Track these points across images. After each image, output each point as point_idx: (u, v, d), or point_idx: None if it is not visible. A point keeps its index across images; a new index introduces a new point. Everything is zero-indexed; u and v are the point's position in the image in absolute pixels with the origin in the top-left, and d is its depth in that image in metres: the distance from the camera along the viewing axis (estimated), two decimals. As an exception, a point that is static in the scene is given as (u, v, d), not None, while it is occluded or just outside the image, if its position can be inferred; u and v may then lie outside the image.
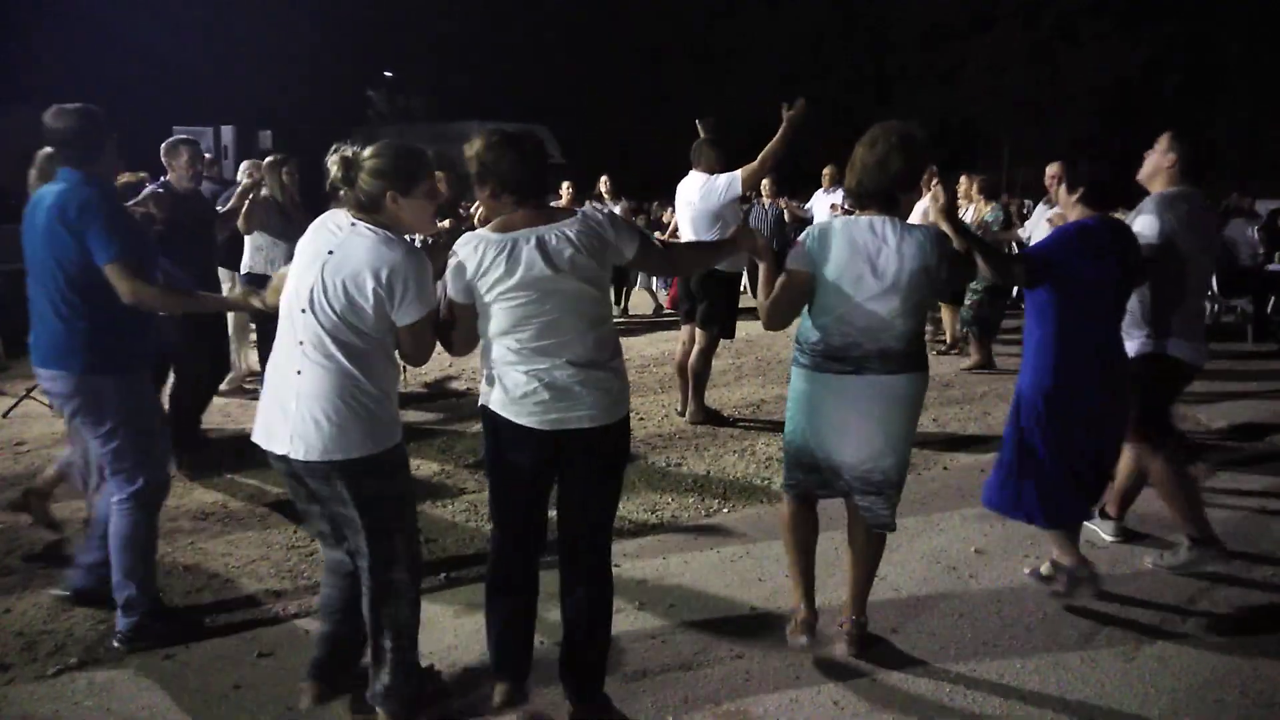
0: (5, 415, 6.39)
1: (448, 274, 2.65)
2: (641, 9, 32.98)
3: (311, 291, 2.51)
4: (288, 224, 6.07)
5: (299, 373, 2.53)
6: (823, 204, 11.11)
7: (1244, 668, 3.17)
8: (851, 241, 2.89)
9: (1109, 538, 4.21)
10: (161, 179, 5.36)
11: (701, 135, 6.27)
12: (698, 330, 6.24)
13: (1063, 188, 3.51)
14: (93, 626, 3.43)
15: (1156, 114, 27.54)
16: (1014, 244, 8.26)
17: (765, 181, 10.87)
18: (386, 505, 2.63)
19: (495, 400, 2.67)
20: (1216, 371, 7.86)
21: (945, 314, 9.06)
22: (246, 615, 3.56)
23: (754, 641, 3.33)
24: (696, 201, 5.98)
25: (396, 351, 2.65)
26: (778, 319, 3.03)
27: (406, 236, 2.63)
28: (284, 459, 2.58)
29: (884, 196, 2.94)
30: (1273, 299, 9.67)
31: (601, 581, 2.83)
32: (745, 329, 10.35)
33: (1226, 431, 6.09)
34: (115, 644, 3.26)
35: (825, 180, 11.27)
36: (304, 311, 2.52)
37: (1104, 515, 4.25)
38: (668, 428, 6.20)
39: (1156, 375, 3.75)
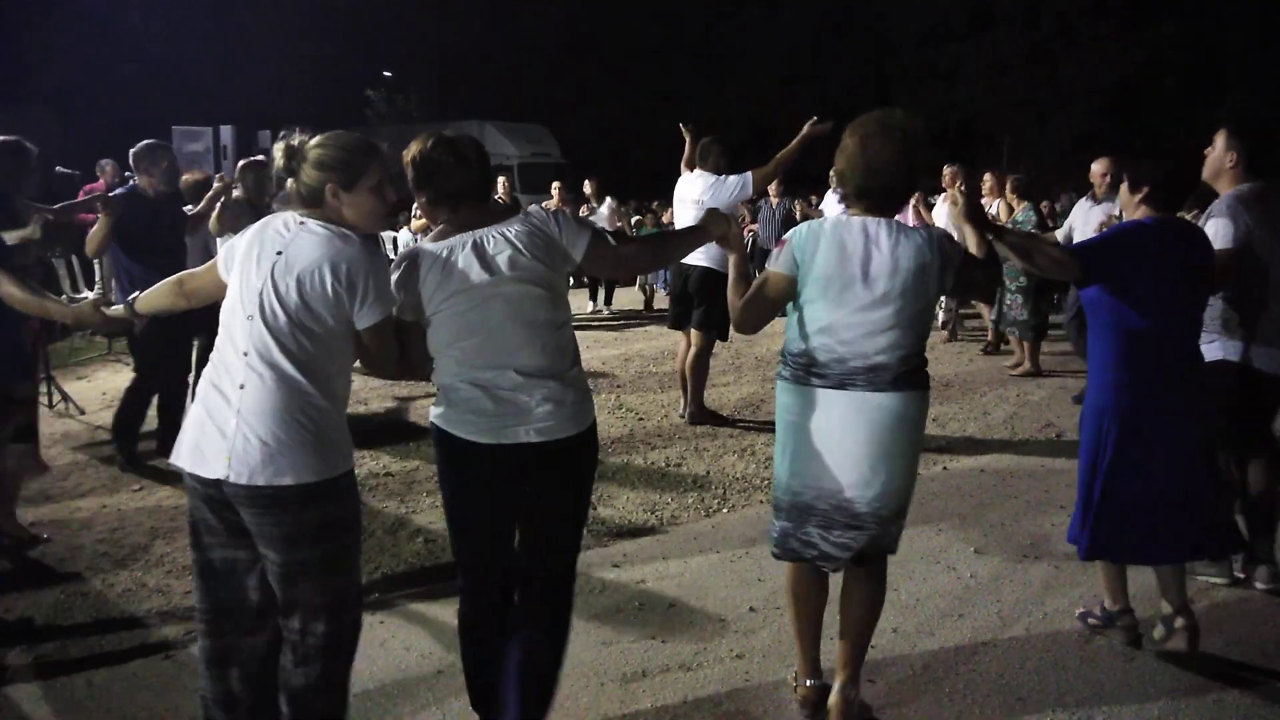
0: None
1: (390, 292, 2.39)
2: (641, 9, 32.98)
3: (260, 296, 2.26)
4: None
5: (241, 387, 2.24)
6: (834, 206, 11.11)
7: (1243, 667, 3.17)
8: (841, 244, 2.56)
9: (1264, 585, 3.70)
10: (130, 183, 5.34)
11: (687, 138, 6.27)
12: (694, 331, 6.26)
13: (1124, 187, 3.23)
14: (92, 627, 3.43)
15: (1156, 114, 27.64)
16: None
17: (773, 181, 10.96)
18: (340, 536, 2.33)
19: (442, 416, 2.47)
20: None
21: (984, 312, 9.10)
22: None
23: (754, 641, 3.33)
24: (707, 200, 6.00)
25: (357, 361, 2.41)
26: (749, 323, 2.76)
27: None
28: (215, 484, 2.24)
29: (878, 194, 2.60)
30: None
31: (552, 617, 2.57)
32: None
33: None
34: None
35: (834, 181, 11.35)
36: (250, 318, 2.26)
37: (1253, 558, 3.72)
38: (668, 428, 6.20)
39: (1239, 387, 3.49)
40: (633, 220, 12.90)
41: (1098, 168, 6.85)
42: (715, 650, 3.27)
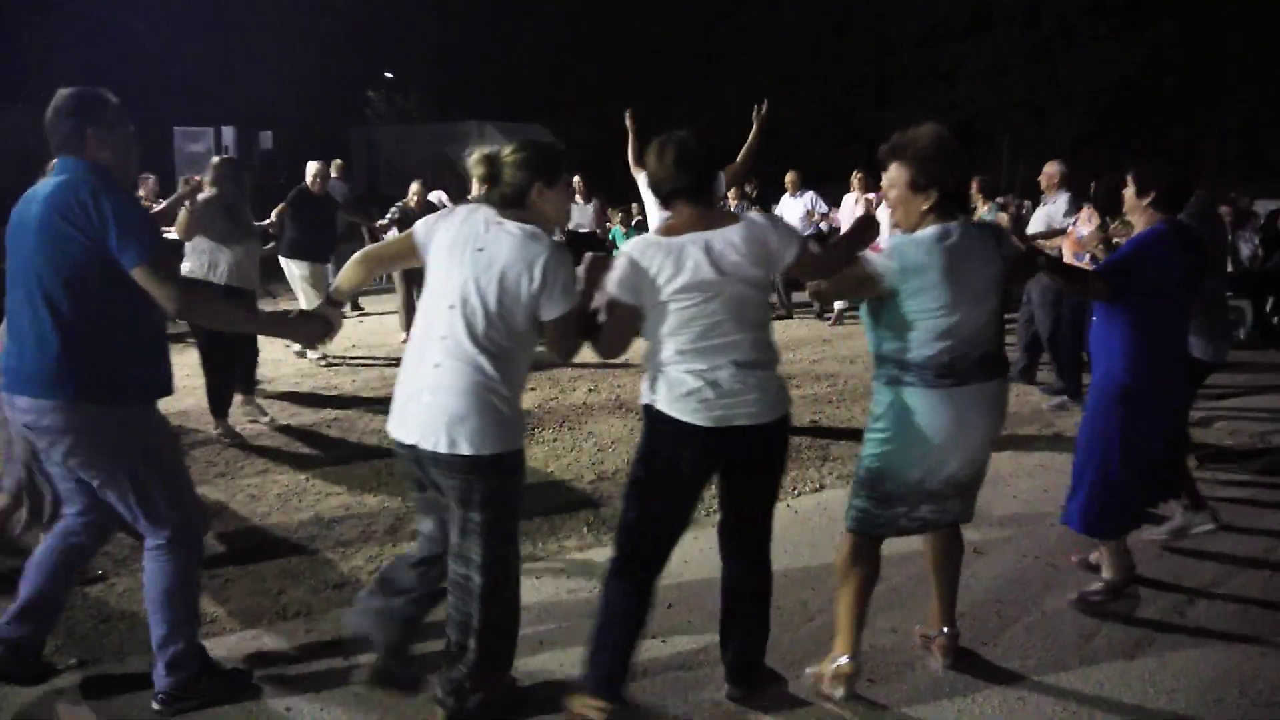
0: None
1: (613, 274, 2.67)
2: (641, 9, 32.96)
3: (462, 288, 2.57)
4: (235, 228, 5.68)
5: (437, 366, 2.58)
6: (792, 207, 10.98)
7: (1243, 667, 3.17)
8: (948, 253, 2.75)
9: (1210, 525, 4.20)
10: None
11: (631, 131, 6.03)
12: None
13: (1130, 191, 3.53)
14: (93, 627, 3.44)
15: (1156, 114, 27.64)
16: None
17: (792, 175, 10.94)
18: (504, 506, 2.67)
19: (660, 399, 2.71)
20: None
21: None
22: (245, 614, 3.55)
23: (754, 641, 3.32)
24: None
25: (541, 347, 2.72)
26: (839, 298, 3.08)
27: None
28: (410, 447, 2.63)
29: (957, 198, 2.90)
30: (1271, 300, 9.67)
31: (761, 564, 2.93)
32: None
33: (1225, 432, 6.08)
34: (156, 706, 2.87)
35: (790, 186, 11.09)
36: (451, 308, 2.58)
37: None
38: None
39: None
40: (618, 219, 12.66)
41: (1049, 168, 7.21)
42: (715, 650, 3.26)
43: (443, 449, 2.56)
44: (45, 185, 2.73)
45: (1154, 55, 29.16)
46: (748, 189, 11.21)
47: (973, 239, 2.81)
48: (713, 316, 2.64)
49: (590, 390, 7.12)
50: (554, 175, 2.67)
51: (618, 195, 13.57)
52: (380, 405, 6.86)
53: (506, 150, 2.66)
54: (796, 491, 4.95)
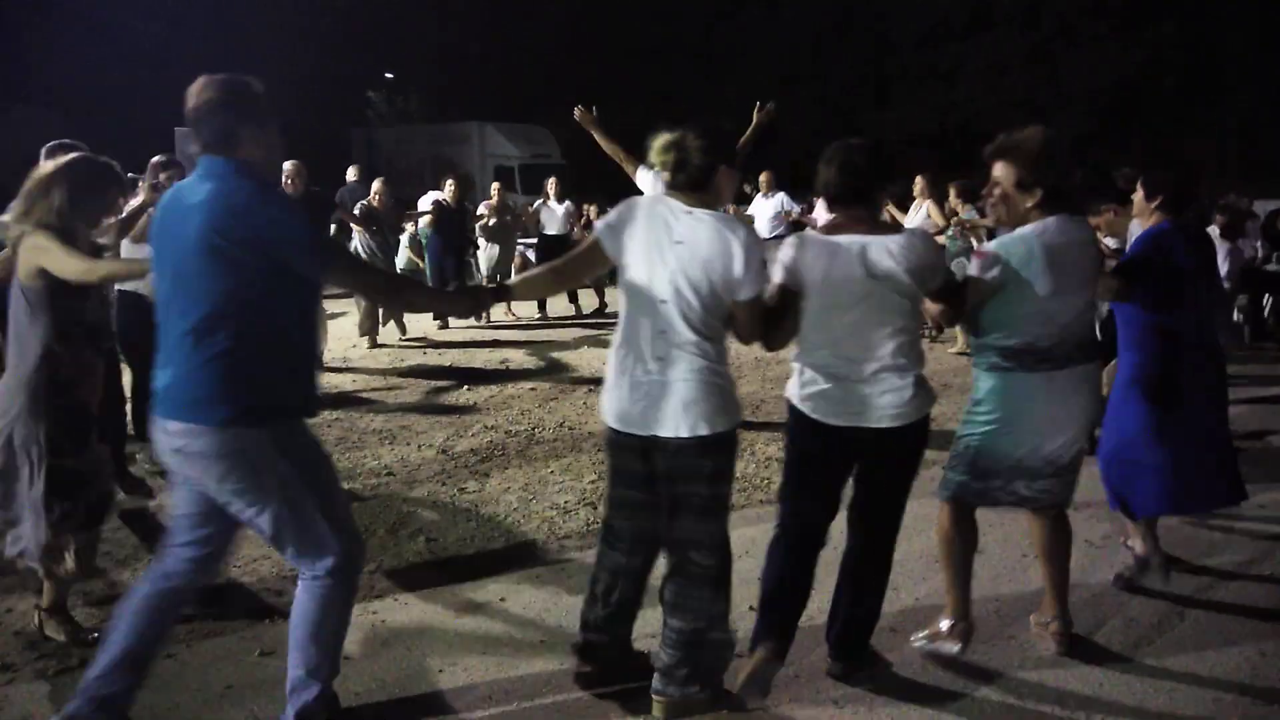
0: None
1: (779, 263, 2.82)
2: (641, 9, 32.96)
3: (671, 283, 2.65)
4: None
5: (660, 359, 2.69)
6: (764, 208, 11.04)
7: (1243, 667, 3.18)
8: (1048, 248, 2.93)
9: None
10: None
11: (598, 132, 6.00)
12: None
13: (1139, 195, 3.73)
14: (94, 626, 3.44)
15: (1156, 114, 27.63)
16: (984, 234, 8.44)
17: (765, 176, 10.97)
18: (726, 482, 2.84)
19: (796, 394, 2.88)
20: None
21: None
22: (248, 614, 3.56)
23: (754, 641, 3.32)
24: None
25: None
26: (956, 318, 3.17)
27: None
28: (636, 438, 2.74)
29: (1058, 197, 3.02)
30: (1269, 299, 9.67)
31: (884, 552, 3.05)
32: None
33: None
34: None
35: (763, 186, 11.17)
36: (664, 303, 2.66)
37: None
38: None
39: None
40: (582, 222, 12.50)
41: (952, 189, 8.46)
42: (715, 650, 3.27)
43: (683, 433, 2.67)
44: (196, 192, 2.49)
45: (1154, 55, 29.15)
46: (746, 189, 11.20)
47: (1071, 233, 3.00)
48: (857, 318, 2.77)
49: (590, 391, 7.13)
50: (732, 156, 2.78)
51: (618, 196, 13.52)
52: (379, 405, 6.86)
53: (691, 135, 2.71)
54: (796, 491, 4.95)
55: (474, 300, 3.17)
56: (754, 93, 6.63)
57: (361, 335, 9.21)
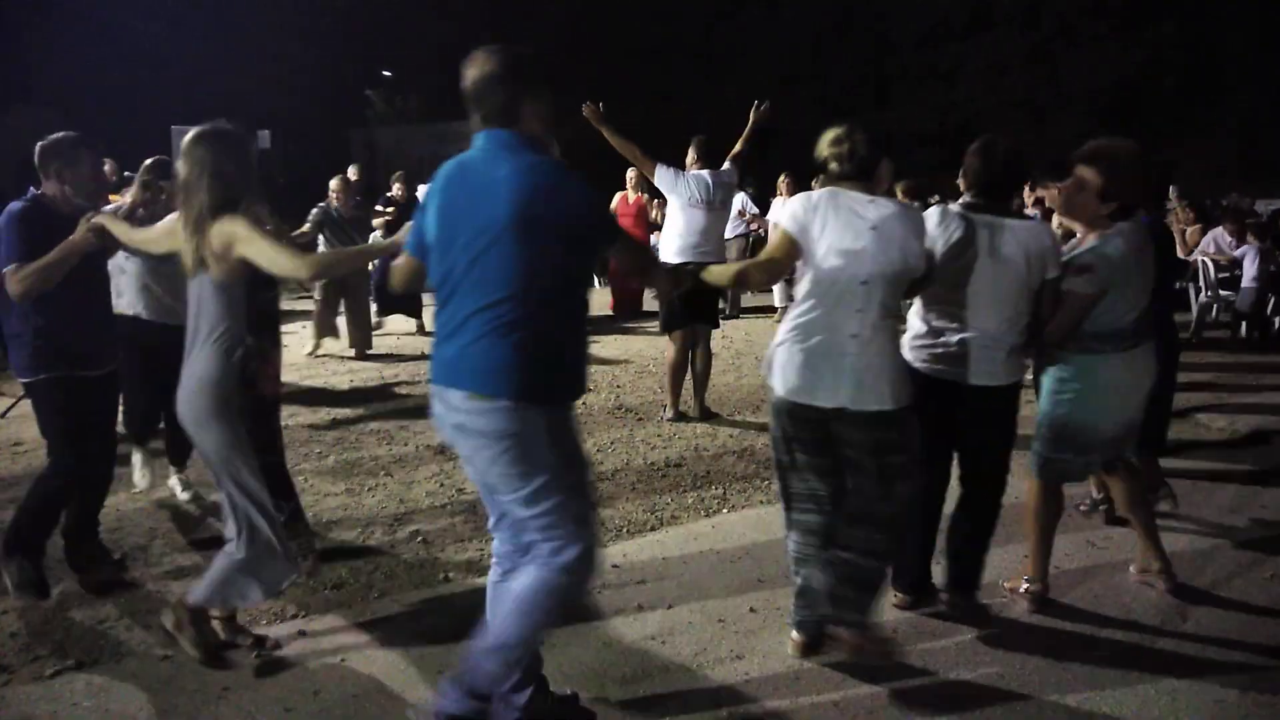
0: (3, 415, 6.38)
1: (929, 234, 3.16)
2: (641, 9, 32.95)
3: (871, 264, 2.87)
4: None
5: (855, 335, 2.89)
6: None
7: (1245, 668, 3.17)
8: (1135, 251, 3.34)
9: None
10: (31, 191, 3.68)
11: (610, 132, 6.12)
12: (705, 331, 6.41)
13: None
14: (91, 627, 3.43)
15: (1156, 114, 27.61)
16: None
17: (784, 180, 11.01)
18: (914, 448, 3.03)
19: (932, 355, 3.28)
20: (1206, 366, 7.86)
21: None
22: (245, 614, 3.55)
23: (754, 642, 3.32)
24: (729, 198, 6.25)
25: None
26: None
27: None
28: (822, 410, 2.93)
29: (1131, 206, 3.42)
30: (1272, 300, 9.66)
31: (992, 498, 3.48)
32: (745, 328, 10.35)
33: (1227, 432, 6.08)
34: None
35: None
36: (865, 284, 2.88)
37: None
38: (668, 428, 6.20)
39: None
40: None
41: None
42: (715, 650, 3.27)
43: (885, 405, 2.91)
44: (493, 167, 2.48)
45: (1154, 55, 29.14)
46: (749, 190, 11.24)
47: (1142, 233, 3.41)
48: (978, 289, 3.17)
49: (590, 391, 7.12)
50: (885, 151, 3.05)
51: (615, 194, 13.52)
52: (379, 405, 6.86)
53: (857, 130, 2.97)
54: (796, 492, 4.94)
55: (675, 279, 3.41)
56: (754, 93, 6.65)
57: (327, 343, 8.88)
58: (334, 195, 8.80)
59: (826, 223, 2.91)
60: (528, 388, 2.44)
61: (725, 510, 4.69)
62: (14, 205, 3.63)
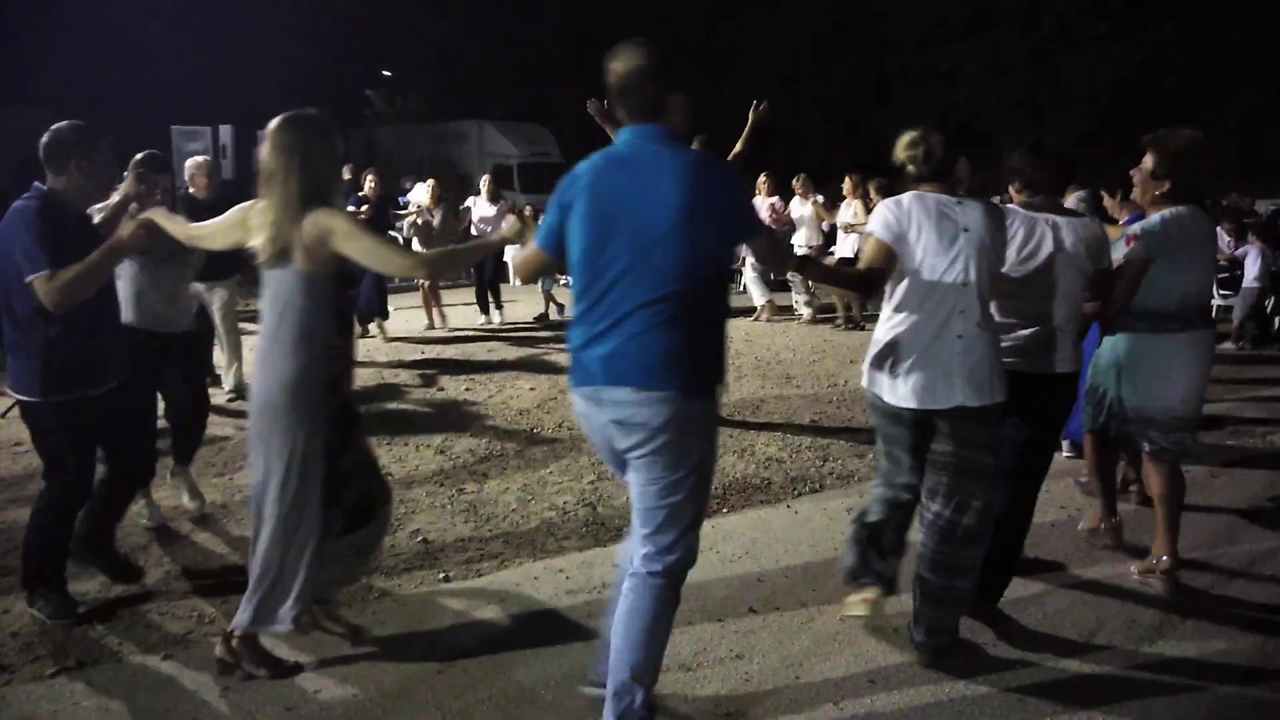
0: (4, 415, 6.38)
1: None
2: (641, 9, 32.95)
3: (966, 265, 2.96)
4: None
5: (960, 336, 2.97)
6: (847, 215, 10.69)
7: (1243, 667, 3.17)
8: (1181, 233, 3.56)
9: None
10: (36, 187, 3.40)
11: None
12: None
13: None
14: (92, 626, 3.43)
15: (1156, 114, 27.63)
16: None
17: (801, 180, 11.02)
18: (999, 452, 3.15)
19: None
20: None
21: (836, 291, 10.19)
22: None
23: (754, 641, 3.32)
24: None
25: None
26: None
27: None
28: (926, 412, 3.01)
29: (1189, 190, 3.64)
30: (1272, 300, 9.66)
31: (1027, 498, 3.52)
32: (745, 328, 10.35)
33: (1226, 433, 6.08)
34: None
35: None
36: (964, 285, 2.96)
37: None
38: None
39: None
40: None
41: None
42: (715, 650, 3.27)
43: (986, 401, 3.00)
44: (655, 160, 2.48)
45: (1154, 55, 29.14)
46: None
47: (1192, 221, 3.58)
48: (1047, 283, 3.32)
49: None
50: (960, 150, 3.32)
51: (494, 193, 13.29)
52: (378, 404, 6.85)
53: (933, 132, 3.07)
54: (796, 492, 4.94)
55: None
56: (754, 93, 6.64)
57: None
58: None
59: (921, 228, 2.97)
60: (693, 379, 2.49)
61: (725, 510, 4.69)
62: (26, 204, 3.31)
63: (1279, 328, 9.69)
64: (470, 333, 10.16)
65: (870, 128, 32.77)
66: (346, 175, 11.71)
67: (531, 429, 6.10)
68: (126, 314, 4.12)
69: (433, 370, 8.21)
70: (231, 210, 3.07)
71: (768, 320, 10.60)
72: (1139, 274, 3.56)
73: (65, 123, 3.40)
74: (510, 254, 11.29)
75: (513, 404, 6.86)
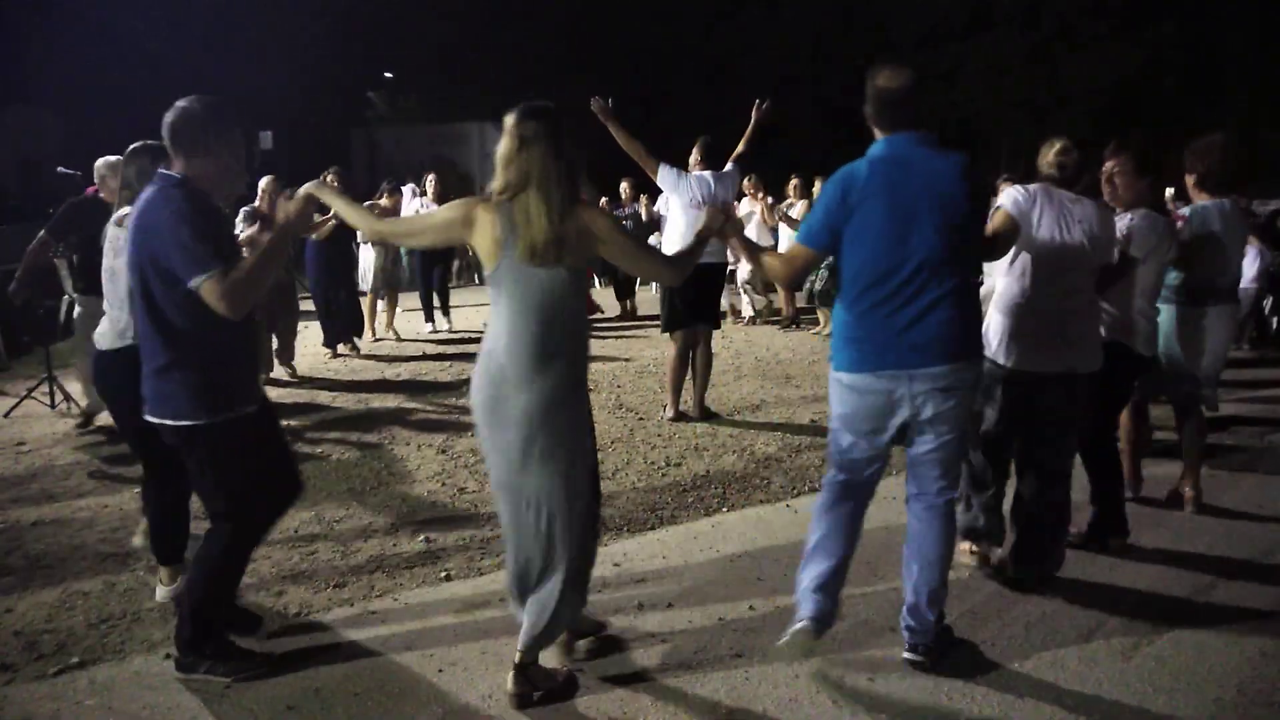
0: (6, 415, 6.39)
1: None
2: (641, 10, 32.94)
3: (1079, 252, 3.50)
4: None
5: (1074, 312, 3.55)
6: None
7: (1242, 667, 3.17)
8: (1218, 220, 4.34)
9: None
10: (164, 173, 2.99)
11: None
12: (705, 331, 6.43)
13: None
14: (94, 625, 3.44)
15: (1156, 114, 27.61)
16: None
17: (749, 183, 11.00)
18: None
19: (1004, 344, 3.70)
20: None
21: (784, 293, 10.58)
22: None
23: (754, 641, 3.33)
24: (732, 199, 6.34)
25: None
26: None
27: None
28: (1064, 373, 3.53)
29: (1219, 184, 4.39)
30: (1270, 300, 9.66)
31: (1059, 482, 3.73)
32: (745, 329, 10.35)
33: (1225, 432, 6.08)
34: (917, 657, 3.11)
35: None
36: (1073, 271, 3.52)
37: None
38: (668, 428, 6.21)
39: None
40: None
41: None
42: (715, 650, 3.27)
43: (1093, 368, 3.60)
44: (941, 161, 2.90)
45: (1154, 55, 29.13)
46: (760, 195, 11.22)
47: (1226, 209, 4.34)
48: (1146, 271, 4.01)
49: (590, 390, 7.13)
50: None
51: (614, 195, 13.54)
52: (378, 404, 6.86)
53: (1072, 150, 3.59)
54: (796, 491, 4.95)
55: None
56: (754, 93, 6.65)
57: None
58: (262, 195, 7.71)
59: (1044, 213, 3.50)
60: (980, 344, 3.13)
61: (725, 510, 4.70)
62: (165, 193, 2.83)
63: (1278, 328, 9.69)
64: (471, 333, 10.16)
65: (870, 128, 32.74)
66: (331, 180, 10.77)
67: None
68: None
69: (433, 370, 8.21)
70: (446, 207, 2.89)
71: (755, 324, 10.67)
72: (1188, 250, 4.30)
73: (195, 97, 2.99)
74: (364, 259, 9.97)
75: (513, 404, 6.85)
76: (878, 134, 3.01)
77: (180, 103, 2.94)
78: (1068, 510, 3.77)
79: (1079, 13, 29.84)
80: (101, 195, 5.19)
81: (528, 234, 2.70)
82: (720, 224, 3.17)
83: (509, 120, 2.77)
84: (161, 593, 3.63)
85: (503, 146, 2.77)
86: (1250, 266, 9.39)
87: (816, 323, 10.23)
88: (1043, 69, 30.57)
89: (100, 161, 5.16)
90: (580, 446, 2.88)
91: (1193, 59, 29.40)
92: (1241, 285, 9.47)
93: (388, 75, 30.80)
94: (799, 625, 3.01)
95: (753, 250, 3.35)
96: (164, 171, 2.92)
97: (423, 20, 31.53)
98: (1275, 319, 9.72)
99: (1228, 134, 4.24)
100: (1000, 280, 3.75)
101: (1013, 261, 3.61)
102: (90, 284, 5.12)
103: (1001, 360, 3.59)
